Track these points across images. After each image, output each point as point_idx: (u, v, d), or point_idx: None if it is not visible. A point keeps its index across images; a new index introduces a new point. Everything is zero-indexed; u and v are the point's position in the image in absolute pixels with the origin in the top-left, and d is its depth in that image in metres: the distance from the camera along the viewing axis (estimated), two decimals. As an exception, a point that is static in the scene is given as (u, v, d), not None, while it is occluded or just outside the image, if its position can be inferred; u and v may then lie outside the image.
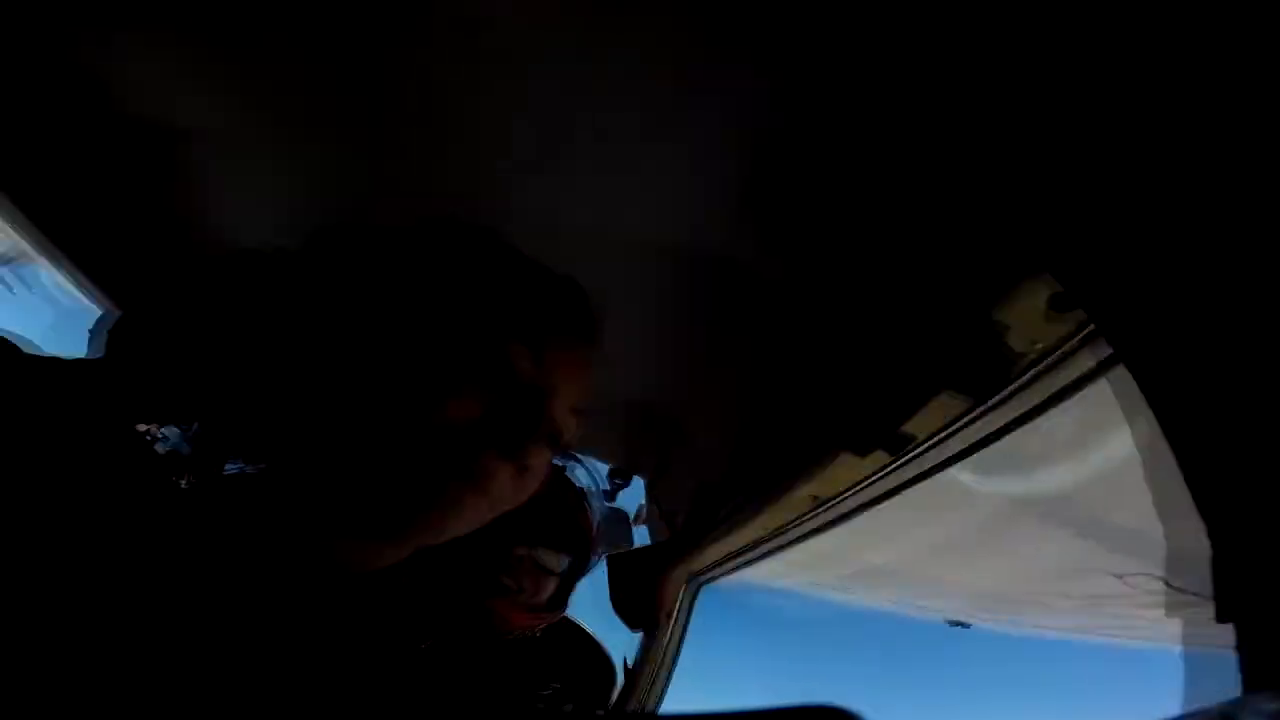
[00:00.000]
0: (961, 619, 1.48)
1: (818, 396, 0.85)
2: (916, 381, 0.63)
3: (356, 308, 0.54)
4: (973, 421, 0.64)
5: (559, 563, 1.14)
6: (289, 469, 0.55)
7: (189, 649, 0.43)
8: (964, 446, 0.69)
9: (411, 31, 0.81)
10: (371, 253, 0.58)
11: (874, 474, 0.81)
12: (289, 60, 0.91)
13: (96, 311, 1.47)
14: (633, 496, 1.75)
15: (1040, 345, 0.54)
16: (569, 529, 1.15)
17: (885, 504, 0.90)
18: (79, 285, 1.43)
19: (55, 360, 1.11)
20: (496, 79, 0.84)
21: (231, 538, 0.50)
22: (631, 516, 1.83)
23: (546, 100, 0.83)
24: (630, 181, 0.90)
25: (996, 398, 0.59)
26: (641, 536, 1.69)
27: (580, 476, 1.23)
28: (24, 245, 1.36)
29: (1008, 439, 0.65)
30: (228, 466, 0.56)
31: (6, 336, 1.08)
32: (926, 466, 0.76)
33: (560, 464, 1.26)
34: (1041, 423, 0.61)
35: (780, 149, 0.71)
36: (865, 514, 0.95)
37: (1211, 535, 0.34)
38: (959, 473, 0.78)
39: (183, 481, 0.56)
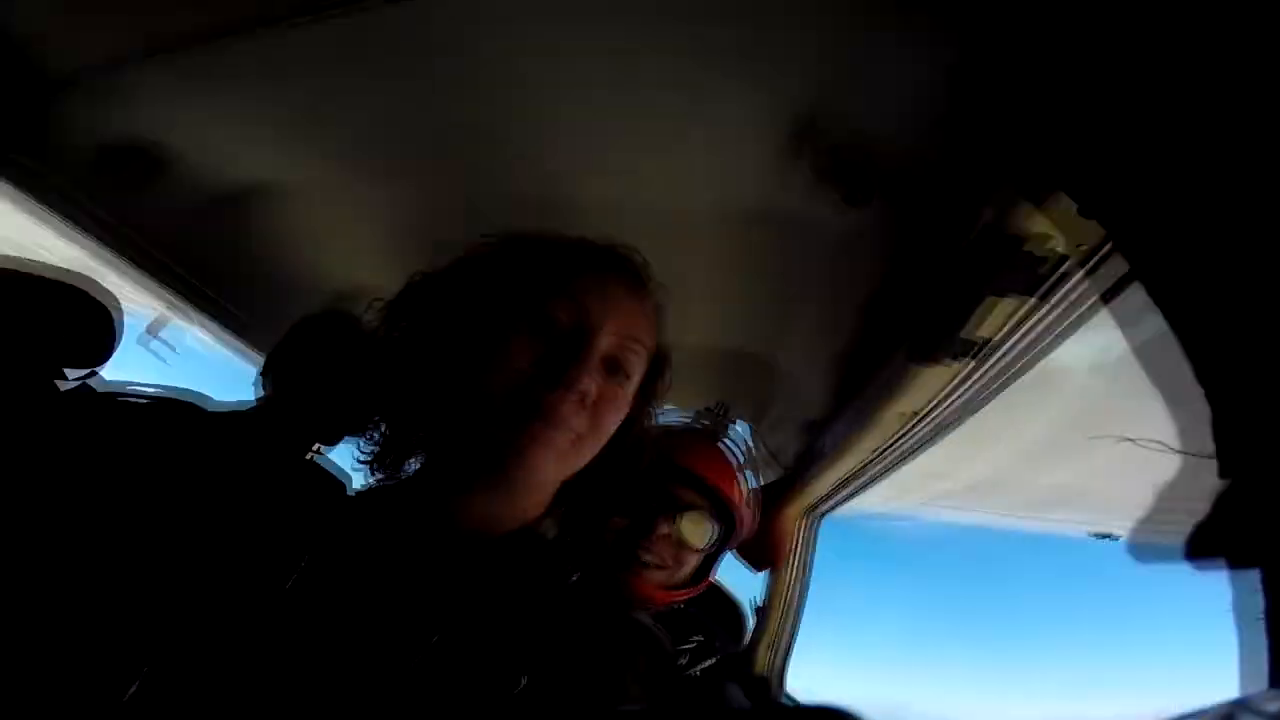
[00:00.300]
0: (1107, 531, 1.41)
1: (888, 319, 0.88)
2: (967, 289, 0.66)
3: (432, 328, 0.67)
4: (1035, 320, 0.66)
5: (705, 535, 1.12)
6: (423, 458, 0.68)
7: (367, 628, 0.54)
8: (1031, 343, 0.71)
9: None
10: (432, 286, 0.70)
11: (953, 383, 0.83)
12: (355, 108, 1.05)
13: (241, 361, 1.77)
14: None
15: (1083, 246, 0.56)
16: (717, 502, 1.13)
17: (976, 411, 0.91)
18: (222, 341, 1.74)
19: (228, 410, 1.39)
20: (547, 81, 0.95)
21: (394, 530, 0.62)
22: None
23: (601, 99, 0.92)
24: (684, 158, 0.97)
25: (1050, 294, 0.61)
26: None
27: (733, 449, 1.23)
28: (167, 312, 1.66)
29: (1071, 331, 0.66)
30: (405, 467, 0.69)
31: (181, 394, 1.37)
32: (1002, 368, 0.78)
33: (710, 433, 1.28)
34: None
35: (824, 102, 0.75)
36: (962, 424, 0.97)
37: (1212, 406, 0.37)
38: (1042, 369, 0.78)
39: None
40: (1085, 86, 0.47)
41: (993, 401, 0.88)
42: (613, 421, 0.64)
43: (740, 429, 1.84)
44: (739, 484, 1.19)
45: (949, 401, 0.88)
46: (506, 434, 0.58)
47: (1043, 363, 0.80)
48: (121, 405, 1.25)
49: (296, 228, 1.39)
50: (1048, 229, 0.56)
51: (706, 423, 1.37)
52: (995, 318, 0.69)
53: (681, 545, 1.09)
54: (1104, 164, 0.46)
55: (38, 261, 1.10)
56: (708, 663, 1.15)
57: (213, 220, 1.34)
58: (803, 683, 1.55)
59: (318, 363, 1.28)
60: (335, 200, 1.32)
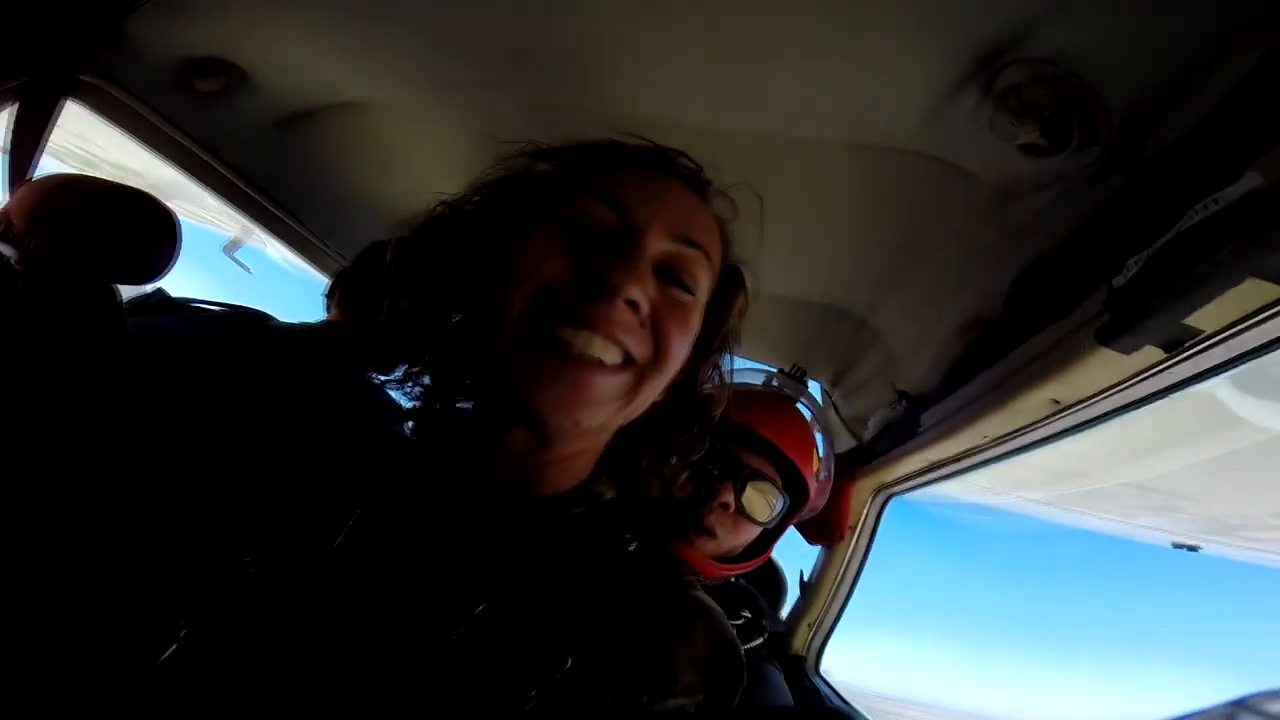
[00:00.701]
0: (1189, 542, 1.34)
1: (1060, 290, 0.76)
2: (1218, 269, 0.54)
3: (457, 252, 0.60)
4: (1269, 319, 0.54)
5: (770, 508, 1.05)
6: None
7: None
8: (1258, 344, 0.59)
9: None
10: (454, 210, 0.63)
11: (1138, 374, 0.72)
12: (437, 29, 0.97)
13: (318, 279, 1.74)
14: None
15: None
16: (789, 473, 1.06)
17: (1140, 411, 0.81)
18: (303, 257, 1.70)
19: (299, 326, 1.35)
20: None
21: (441, 488, 0.57)
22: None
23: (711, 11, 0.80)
24: (813, 83, 0.83)
25: None
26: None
27: (811, 416, 1.16)
28: (251, 227, 1.62)
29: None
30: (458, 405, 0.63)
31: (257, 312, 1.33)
32: (1203, 368, 0.67)
33: (786, 396, 1.20)
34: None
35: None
36: (1113, 422, 0.87)
37: None
38: (1222, 390, 0.67)
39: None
40: None
41: (1165, 405, 0.78)
42: (679, 342, 0.55)
43: (813, 389, 1.78)
44: (814, 456, 1.13)
45: (1120, 395, 0.78)
46: (544, 362, 0.50)
47: (1249, 369, 0.69)
48: (192, 314, 1.22)
49: (367, 147, 1.32)
50: None
51: (782, 384, 1.29)
52: (1234, 307, 0.58)
53: (742, 516, 1.02)
54: None
55: (100, 178, 1.04)
56: (755, 642, 1.11)
57: (285, 139, 1.28)
58: (838, 665, 1.53)
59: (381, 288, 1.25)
60: (407, 119, 1.24)
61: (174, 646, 0.47)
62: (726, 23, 0.82)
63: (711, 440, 0.92)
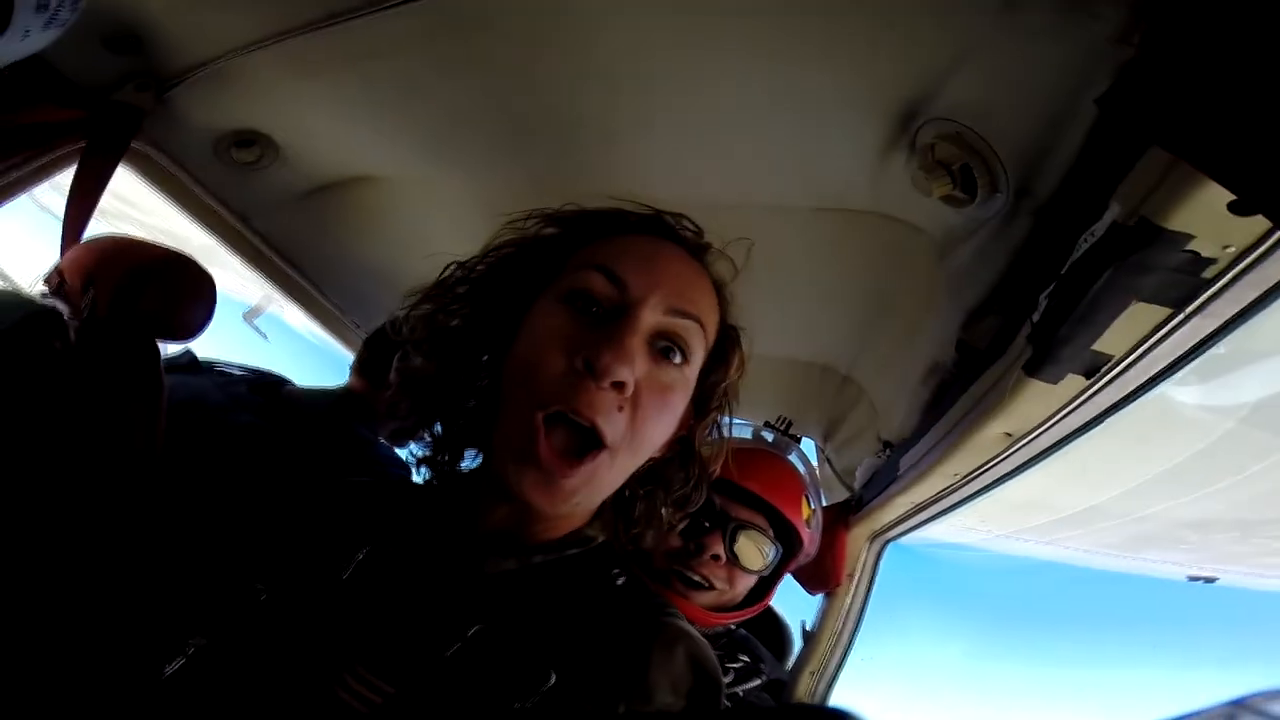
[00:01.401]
0: (1205, 574, 1.37)
1: (997, 329, 0.88)
2: (1105, 296, 0.66)
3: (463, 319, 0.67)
4: (1171, 333, 0.66)
5: (763, 557, 1.10)
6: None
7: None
8: (1167, 363, 0.70)
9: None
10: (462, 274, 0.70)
11: (1072, 401, 0.83)
12: (446, 108, 1.14)
13: (335, 346, 1.89)
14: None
15: (1232, 249, 0.55)
16: (778, 522, 1.11)
17: (1089, 434, 0.90)
18: (322, 325, 1.86)
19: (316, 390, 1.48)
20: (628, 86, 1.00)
21: (443, 527, 0.64)
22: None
23: (684, 88, 0.96)
24: (769, 154, 1.00)
25: (1195, 304, 0.61)
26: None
27: (798, 467, 1.23)
28: (273, 294, 1.78)
29: (1222, 346, 0.66)
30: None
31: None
32: (1129, 389, 0.78)
33: (773, 448, 1.27)
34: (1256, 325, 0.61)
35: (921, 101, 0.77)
36: (1068, 448, 0.95)
37: None
38: (1171, 394, 0.78)
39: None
40: (1249, 50, 0.44)
41: (1108, 427, 0.88)
42: (661, 422, 0.59)
43: (804, 446, 1.86)
44: (803, 504, 1.19)
45: (1060, 423, 0.88)
46: (524, 458, 0.55)
47: (1166, 388, 0.80)
48: (217, 376, 1.35)
49: (385, 220, 1.48)
50: (1190, 228, 0.56)
51: (769, 436, 1.38)
52: (1130, 331, 0.69)
53: (736, 566, 1.08)
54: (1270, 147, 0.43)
55: (148, 242, 1.20)
56: (752, 684, 1.14)
57: (310, 210, 1.45)
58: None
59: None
60: (422, 192, 1.41)
61: (181, 660, 0.54)
62: (685, 101, 0.99)
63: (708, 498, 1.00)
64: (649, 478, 0.66)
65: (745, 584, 1.11)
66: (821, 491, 1.34)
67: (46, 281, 1.21)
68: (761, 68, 0.84)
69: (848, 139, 0.88)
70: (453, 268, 0.69)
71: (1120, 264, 0.61)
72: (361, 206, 1.47)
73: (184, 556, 0.68)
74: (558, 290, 0.60)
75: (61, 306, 1.15)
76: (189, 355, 1.46)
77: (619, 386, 0.55)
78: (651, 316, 0.58)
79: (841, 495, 1.64)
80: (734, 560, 1.08)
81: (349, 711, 0.51)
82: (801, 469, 1.26)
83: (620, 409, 0.56)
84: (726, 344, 0.68)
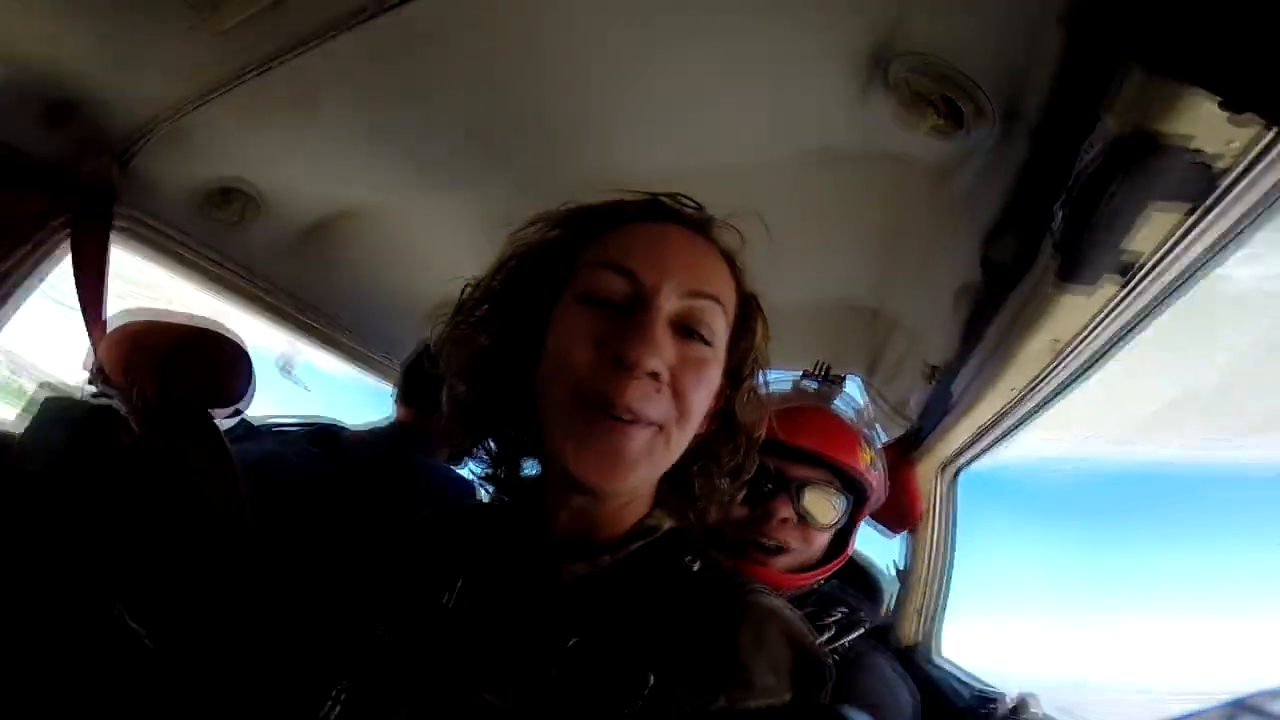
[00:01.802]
0: None
1: (1020, 243, 0.86)
2: (1120, 203, 0.64)
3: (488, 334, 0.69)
4: (1197, 225, 0.63)
5: (832, 511, 1.10)
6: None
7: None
8: (1204, 250, 0.68)
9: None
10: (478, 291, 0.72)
11: (1112, 302, 0.81)
12: (410, 131, 1.16)
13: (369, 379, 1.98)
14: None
15: (1236, 144, 0.53)
16: (838, 473, 1.10)
17: (1146, 331, 0.88)
18: (349, 361, 1.94)
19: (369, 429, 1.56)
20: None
21: (521, 542, 0.68)
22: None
23: (643, 71, 0.96)
24: (747, 114, 0.99)
25: (1214, 197, 0.59)
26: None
27: (844, 411, 1.20)
28: (299, 343, 1.86)
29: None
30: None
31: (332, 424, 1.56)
32: (1168, 284, 0.76)
33: (816, 398, 1.25)
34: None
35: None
36: (1126, 349, 0.94)
37: None
38: (1224, 282, 0.75)
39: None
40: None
41: (1156, 324, 0.85)
42: (701, 394, 0.62)
43: (852, 384, 1.85)
44: (860, 448, 1.17)
45: (1106, 327, 0.86)
46: (577, 442, 0.58)
47: (1209, 280, 0.77)
48: (276, 437, 1.45)
49: (387, 246, 1.53)
50: (1189, 131, 0.54)
51: (810, 387, 1.34)
52: (1155, 230, 0.68)
53: (807, 524, 1.09)
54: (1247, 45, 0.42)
55: (170, 319, 1.27)
56: (855, 634, 1.12)
57: (309, 252, 1.50)
58: (959, 648, 1.52)
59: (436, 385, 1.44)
60: (419, 214, 1.44)
61: (332, 706, 0.60)
62: (650, 76, 0.99)
63: (761, 460, 1.01)
64: (698, 454, 0.68)
65: (821, 541, 1.12)
66: (878, 430, 1.32)
67: (91, 380, 1.31)
68: (716, 31, 0.83)
69: (822, 88, 0.87)
70: (469, 288, 0.71)
71: (1125, 173, 0.60)
72: (358, 239, 1.52)
73: (305, 612, 0.75)
74: (574, 291, 0.62)
75: (116, 402, 1.25)
76: (243, 424, 1.56)
77: (654, 375, 0.57)
78: (668, 303, 0.59)
79: (900, 431, 1.64)
80: (804, 519, 1.09)
81: None
82: (851, 413, 1.24)
83: (659, 391, 0.58)
84: (748, 312, 0.69)
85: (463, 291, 0.71)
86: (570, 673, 0.56)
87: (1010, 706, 1.07)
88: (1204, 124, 0.52)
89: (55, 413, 1.27)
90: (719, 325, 0.63)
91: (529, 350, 0.65)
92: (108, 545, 1.16)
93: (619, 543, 0.64)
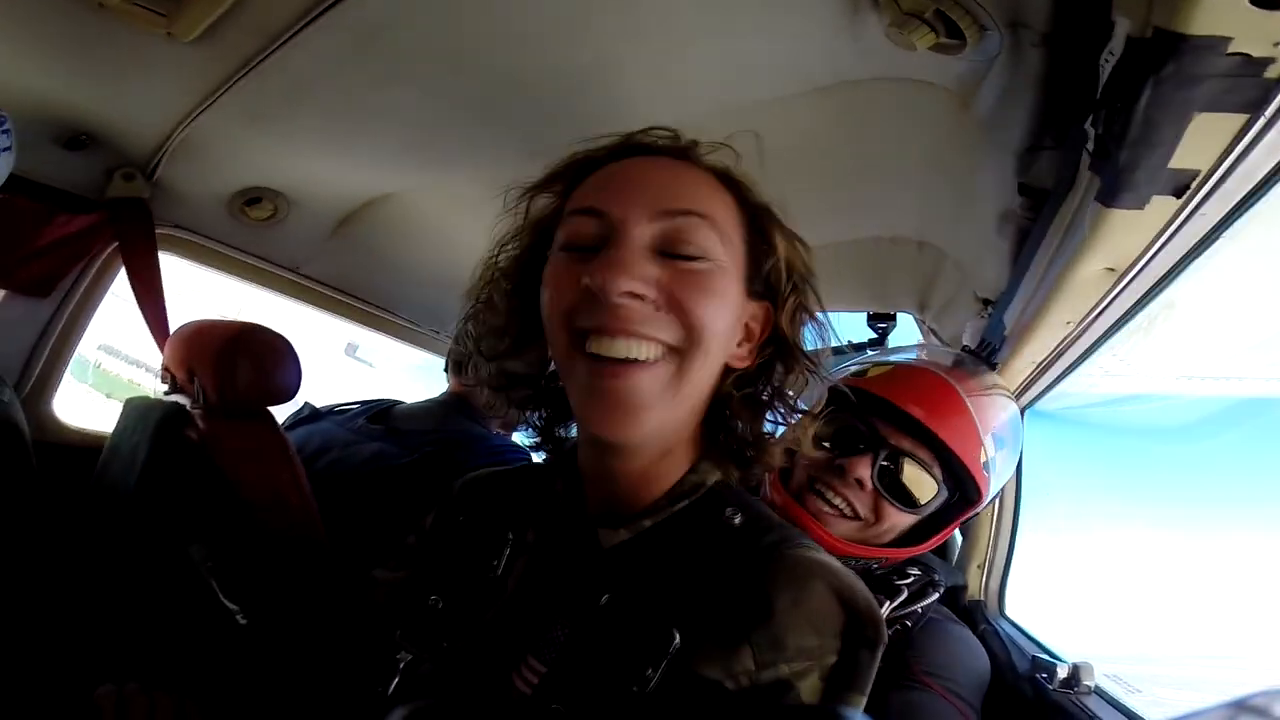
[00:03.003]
0: None
1: (1058, 165, 0.75)
2: (1156, 114, 0.54)
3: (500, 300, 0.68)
4: (1263, 134, 0.52)
5: (921, 493, 0.96)
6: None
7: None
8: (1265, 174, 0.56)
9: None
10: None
11: (1171, 224, 0.70)
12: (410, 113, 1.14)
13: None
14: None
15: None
16: (946, 460, 0.96)
17: (1211, 254, 0.76)
18: (403, 340, 2.01)
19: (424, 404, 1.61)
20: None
21: (564, 503, 0.67)
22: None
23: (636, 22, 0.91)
24: (745, 50, 0.92)
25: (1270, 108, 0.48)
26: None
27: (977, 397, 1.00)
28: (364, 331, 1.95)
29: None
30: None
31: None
32: (1236, 199, 0.64)
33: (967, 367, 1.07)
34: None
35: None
36: (1191, 273, 0.82)
37: None
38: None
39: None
40: None
41: (1220, 245, 0.73)
42: (705, 310, 0.55)
43: (903, 320, 1.74)
44: (981, 441, 0.97)
45: (1166, 248, 0.75)
46: (590, 384, 0.55)
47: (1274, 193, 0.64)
48: (337, 416, 1.53)
49: (418, 228, 1.54)
50: (1223, 30, 0.43)
51: (959, 359, 1.13)
52: (1208, 142, 0.56)
53: (884, 498, 0.95)
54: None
55: (223, 320, 1.34)
56: (930, 599, 1.02)
57: (347, 242, 1.54)
58: (1023, 605, 1.44)
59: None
60: (441, 194, 1.44)
61: (396, 679, 0.63)
62: (655, 16, 0.92)
63: (863, 418, 0.94)
64: (743, 387, 0.63)
65: (896, 521, 0.97)
66: (1015, 432, 1.06)
67: (162, 379, 1.42)
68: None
69: (813, 16, 0.79)
70: (480, 268, 0.71)
71: (1156, 79, 0.49)
72: (392, 223, 1.54)
73: (369, 585, 0.78)
74: (556, 248, 0.60)
75: (182, 399, 1.35)
76: (308, 407, 1.67)
77: (637, 297, 0.53)
78: (639, 229, 0.55)
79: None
80: (881, 491, 0.95)
81: (519, 695, 0.56)
82: (989, 401, 1.01)
83: (658, 309, 0.54)
84: (759, 225, 0.63)
85: (478, 268, 0.71)
86: (600, 630, 0.55)
87: (1064, 677, 1.00)
88: (1238, 22, 0.42)
89: (135, 415, 1.39)
90: (708, 239, 0.57)
91: (536, 327, 0.63)
92: (192, 532, 1.28)
93: (660, 504, 0.61)
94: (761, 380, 0.64)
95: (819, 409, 0.67)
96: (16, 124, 0.94)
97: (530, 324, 0.64)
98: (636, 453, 0.59)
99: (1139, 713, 0.93)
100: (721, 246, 0.57)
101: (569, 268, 0.56)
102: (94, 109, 1.07)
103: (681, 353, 0.55)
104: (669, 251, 0.55)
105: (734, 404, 0.62)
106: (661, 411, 0.55)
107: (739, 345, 0.61)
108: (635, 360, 0.53)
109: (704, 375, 0.57)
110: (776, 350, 0.63)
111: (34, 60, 0.95)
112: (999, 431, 1.00)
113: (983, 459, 0.97)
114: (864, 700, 0.51)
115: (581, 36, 0.98)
